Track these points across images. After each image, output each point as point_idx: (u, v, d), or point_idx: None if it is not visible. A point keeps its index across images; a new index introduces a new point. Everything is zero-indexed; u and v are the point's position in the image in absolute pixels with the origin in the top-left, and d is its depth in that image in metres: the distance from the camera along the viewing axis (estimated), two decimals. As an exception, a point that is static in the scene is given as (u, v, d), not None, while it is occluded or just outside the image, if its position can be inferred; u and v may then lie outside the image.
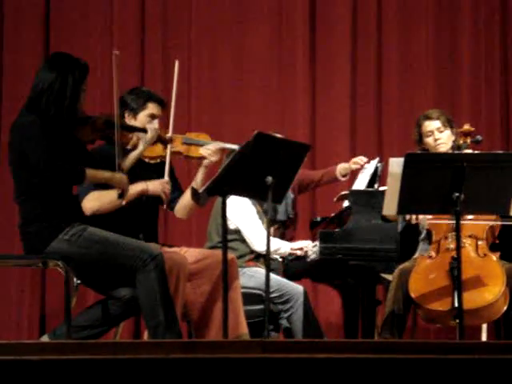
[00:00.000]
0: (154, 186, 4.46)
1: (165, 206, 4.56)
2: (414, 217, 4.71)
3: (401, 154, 4.22)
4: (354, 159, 5.76)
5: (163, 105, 4.62)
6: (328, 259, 5.20)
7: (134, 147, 4.43)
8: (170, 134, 4.54)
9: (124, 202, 4.28)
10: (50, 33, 6.86)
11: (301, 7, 6.88)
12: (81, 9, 6.87)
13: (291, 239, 5.80)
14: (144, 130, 4.42)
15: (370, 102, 6.89)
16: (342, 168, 5.79)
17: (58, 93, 4.14)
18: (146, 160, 4.55)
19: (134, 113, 4.57)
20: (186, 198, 4.63)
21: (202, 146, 4.56)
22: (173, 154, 4.55)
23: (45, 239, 4.15)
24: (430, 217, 4.65)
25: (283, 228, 5.77)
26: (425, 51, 6.89)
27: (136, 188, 4.42)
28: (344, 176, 5.79)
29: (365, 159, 5.68)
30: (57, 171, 4.08)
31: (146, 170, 4.54)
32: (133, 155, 4.40)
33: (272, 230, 5.68)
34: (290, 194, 5.74)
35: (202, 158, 4.59)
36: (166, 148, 4.53)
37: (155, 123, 4.57)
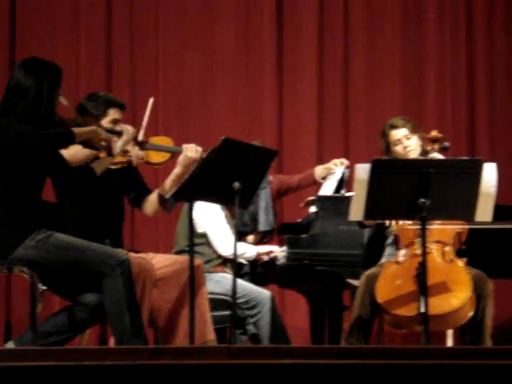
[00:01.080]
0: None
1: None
2: (394, 222, 4.71)
3: (367, 160, 4.24)
4: (335, 160, 5.75)
5: (124, 108, 4.60)
6: (295, 265, 5.21)
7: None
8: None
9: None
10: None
11: (268, 12, 6.91)
12: (46, 12, 6.83)
13: (268, 242, 5.80)
14: (119, 133, 4.40)
15: (337, 107, 6.92)
16: (320, 171, 5.78)
17: (35, 99, 4.12)
18: (112, 167, 4.51)
19: (97, 119, 4.53)
20: (154, 195, 4.60)
21: (162, 151, 4.51)
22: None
23: (10, 245, 4.12)
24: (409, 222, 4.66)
25: (262, 236, 5.77)
26: (391, 57, 6.94)
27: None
28: (323, 178, 5.78)
29: (346, 162, 5.67)
30: (50, 138, 4.06)
31: (109, 175, 4.51)
32: (108, 159, 4.38)
33: (251, 237, 5.69)
34: (270, 203, 5.73)
35: (157, 164, 4.55)
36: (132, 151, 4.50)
37: (116, 128, 4.56)
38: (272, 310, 5.18)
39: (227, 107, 6.86)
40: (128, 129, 4.41)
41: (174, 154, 4.53)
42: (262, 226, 5.66)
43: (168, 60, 6.86)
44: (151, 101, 4.52)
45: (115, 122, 4.53)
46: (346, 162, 5.65)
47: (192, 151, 4.50)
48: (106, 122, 4.50)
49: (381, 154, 5.00)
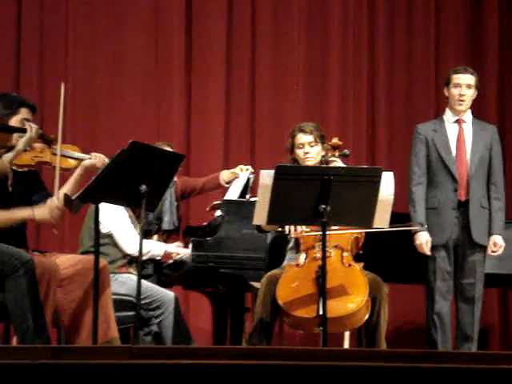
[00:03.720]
0: (41, 212, 4.37)
1: (54, 230, 4.50)
2: (292, 229, 4.81)
3: (272, 165, 4.33)
4: (241, 166, 5.83)
5: (35, 110, 4.60)
6: (200, 267, 5.27)
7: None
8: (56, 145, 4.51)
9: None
10: None
11: (177, 18, 6.95)
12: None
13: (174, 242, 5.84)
14: (23, 130, 4.38)
15: (244, 113, 7.02)
16: (225, 175, 5.85)
17: None
18: (14, 167, 4.50)
19: (6, 118, 4.51)
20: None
21: (71, 158, 4.52)
22: (41, 163, 4.52)
23: None
24: (306, 229, 4.76)
25: (167, 235, 5.81)
26: (296, 66, 7.07)
27: (22, 214, 4.37)
28: (228, 183, 5.85)
29: (251, 169, 5.77)
30: None
31: (14, 176, 4.49)
32: (9, 155, 4.35)
33: (156, 236, 5.72)
34: (174, 202, 5.78)
35: (67, 169, 4.56)
36: (40, 153, 4.49)
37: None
38: (175, 311, 5.22)
39: (135, 111, 6.87)
40: (33, 127, 4.41)
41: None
42: (166, 224, 5.70)
43: (76, 64, 6.83)
44: (63, 86, 4.50)
45: (26, 121, 4.52)
46: (251, 169, 5.75)
47: (100, 162, 4.54)
48: (15, 121, 4.49)
49: (286, 152, 5.09)
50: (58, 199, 4.37)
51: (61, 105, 4.46)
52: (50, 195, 4.58)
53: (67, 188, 4.55)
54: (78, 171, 4.57)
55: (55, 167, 4.49)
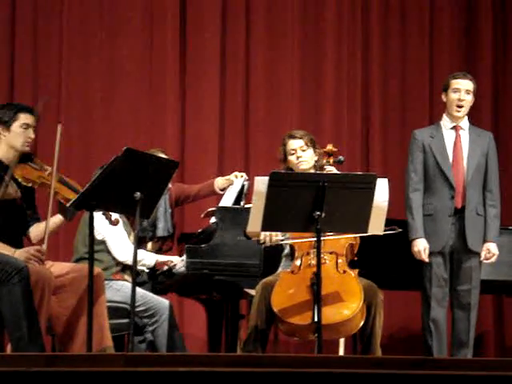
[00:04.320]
0: (20, 254, 4.37)
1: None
2: (267, 239, 4.79)
3: (266, 172, 4.33)
4: (236, 173, 5.84)
5: (35, 114, 4.62)
6: (194, 274, 5.26)
7: None
8: (49, 171, 4.52)
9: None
10: None
11: (171, 25, 6.95)
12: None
13: (169, 250, 5.84)
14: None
15: (238, 120, 7.02)
16: (220, 182, 5.85)
17: None
18: (20, 179, 4.49)
19: (8, 125, 4.55)
20: (40, 226, 4.60)
21: (72, 190, 4.51)
22: (43, 185, 4.51)
23: None
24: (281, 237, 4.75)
25: (162, 242, 5.81)
26: (290, 74, 7.08)
27: (3, 250, 4.36)
28: (222, 190, 5.85)
29: (246, 176, 5.77)
30: None
31: (15, 183, 4.50)
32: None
33: (150, 243, 5.72)
34: (168, 209, 5.78)
35: (67, 200, 4.53)
36: (41, 174, 4.50)
37: (30, 133, 4.57)
38: (170, 318, 5.21)
39: (129, 118, 6.87)
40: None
41: None
42: (160, 231, 5.71)
43: (71, 71, 6.83)
44: (59, 127, 4.51)
45: (26, 126, 4.56)
46: (245, 176, 5.76)
47: None
48: (16, 127, 4.53)
49: (279, 161, 5.10)
50: (47, 226, 4.39)
51: (56, 144, 4.45)
52: (39, 219, 4.60)
53: (56, 222, 4.58)
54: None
55: (52, 194, 4.43)
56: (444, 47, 7.31)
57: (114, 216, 4.66)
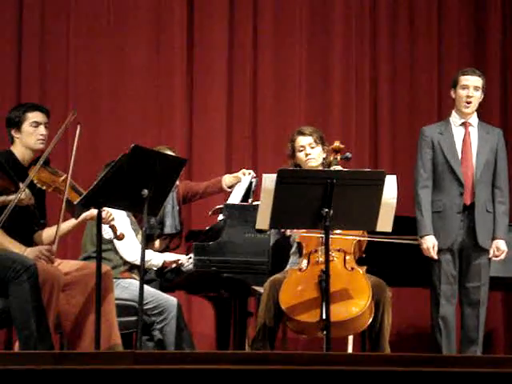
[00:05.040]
0: (30, 252, 4.38)
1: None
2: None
3: (274, 169, 4.32)
4: (244, 170, 5.83)
5: (43, 110, 4.64)
6: (202, 271, 5.26)
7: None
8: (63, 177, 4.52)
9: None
10: None
11: (178, 21, 6.94)
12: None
13: (177, 247, 5.84)
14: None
15: (246, 117, 7.01)
16: (228, 179, 5.84)
17: None
18: (36, 181, 4.49)
19: (18, 127, 4.60)
20: (52, 230, 4.61)
21: (79, 195, 4.49)
22: (57, 189, 4.51)
23: None
24: (302, 230, 4.76)
25: (169, 240, 5.81)
26: (298, 69, 7.07)
27: (13, 248, 4.38)
28: (230, 187, 5.85)
29: (253, 174, 5.77)
30: None
31: (29, 186, 4.50)
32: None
33: (158, 241, 5.72)
34: (176, 206, 5.78)
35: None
36: (56, 180, 4.50)
37: (41, 130, 4.57)
38: (178, 316, 5.21)
39: (137, 115, 6.86)
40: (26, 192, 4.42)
41: None
42: (168, 228, 5.71)
43: (78, 67, 6.83)
44: (79, 128, 4.50)
45: (36, 124, 4.58)
46: (253, 173, 5.75)
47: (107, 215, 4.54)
48: (26, 126, 4.58)
49: (287, 158, 5.09)
50: (58, 231, 4.41)
51: (75, 145, 4.46)
52: (45, 226, 4.62)
53: (68, 225, 4.63)
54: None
55: (66, 196, 4.45)
56: (453, 44, 7.28)
57: (120, 230, 4.66)
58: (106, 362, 3.27)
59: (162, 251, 5.66)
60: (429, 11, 7.29)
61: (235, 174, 5.81)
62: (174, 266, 5.42)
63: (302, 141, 5.02)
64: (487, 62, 7.23)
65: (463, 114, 5.28)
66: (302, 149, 5.01)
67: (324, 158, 5.01)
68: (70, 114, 4.46)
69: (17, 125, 4.59)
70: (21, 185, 4.36)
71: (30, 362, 3.22)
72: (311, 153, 4.99)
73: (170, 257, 5.47)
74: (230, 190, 5.80)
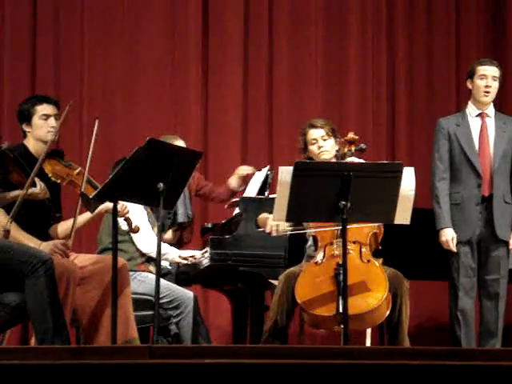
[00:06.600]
0: (45, 246, 4.38)
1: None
2: (274, 229, 4.77)
3: (290, 162, 4.29)
4: (242, 167, 5.86)
5: (52, 101, 4.65)
6: (219, 265, 5.24)
7: None
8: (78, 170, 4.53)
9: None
10: None
11: (194, 14, 6.93)
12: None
13: (189, 242, 5.83)
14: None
15: (262, 110, 6.99)
16: (233, 182, 5.91)
17: None
18: (49, 174, 4.50)
19: (28, 120, 4.61)
20: (68, 223, 4.61)
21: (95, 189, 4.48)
22: (72, 183, 4.51)
23: None
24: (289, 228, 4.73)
25: (181, 230, 5.81)
26: (314, 61, 7.04)
27: (29, 242, 4.38)
28: (239, 186, 5.88)
29: (251, 169, 5.79)
30: None
31: (44, 179, 4.49)
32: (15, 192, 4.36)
33: (171, 232, 5.72)
34: (187, 194, 5.78)
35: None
36: (70, 173, 4.50)
37: (51, 122, 4.57)
38: (194, 310, 5.21)
39: (152, 108, 6.86)
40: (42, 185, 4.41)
41: None
42: (181, 217, 5.72)
43: (92, 60, 6.83)
44: (97, 122, 4.51)
45: (46, 116, 4.59)
46: (269, 166, 5.77)
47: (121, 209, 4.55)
48: (36, 119, 4.59)
49: (299, 151, 5.05)
50: (75, 225, 4.45)
51: (92, 140, 4.46)
52: (61, 219, 4.62)
53: (84, 218, 4.64)
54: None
55: (82, 193, 4.44)
56: (471, 34, 7.23)
57: (135, 223, 4.65)
58: (123, 357, 3.27)
59: (174, 244, 5.66)
60: (446, 2, 7.25)
61: (235, 173, 5.87)
62: (189, 260, 5.41)
63: (314, 134, 4.96)
64: (505, 53, 7.17)
65: (480, 104, 5.25)
66: (314, 142, 4.96)
67: (337, 150, 4.95)
68: (66, 106, 4.45)
69: (27, 119, 4.60)
70: (36, 179, 4.36)
71: (47, 357, 3.22)
72: (324, 145, 4.93)
73: (184, 253, 5.47)
74: (241, 188, 5.84)
